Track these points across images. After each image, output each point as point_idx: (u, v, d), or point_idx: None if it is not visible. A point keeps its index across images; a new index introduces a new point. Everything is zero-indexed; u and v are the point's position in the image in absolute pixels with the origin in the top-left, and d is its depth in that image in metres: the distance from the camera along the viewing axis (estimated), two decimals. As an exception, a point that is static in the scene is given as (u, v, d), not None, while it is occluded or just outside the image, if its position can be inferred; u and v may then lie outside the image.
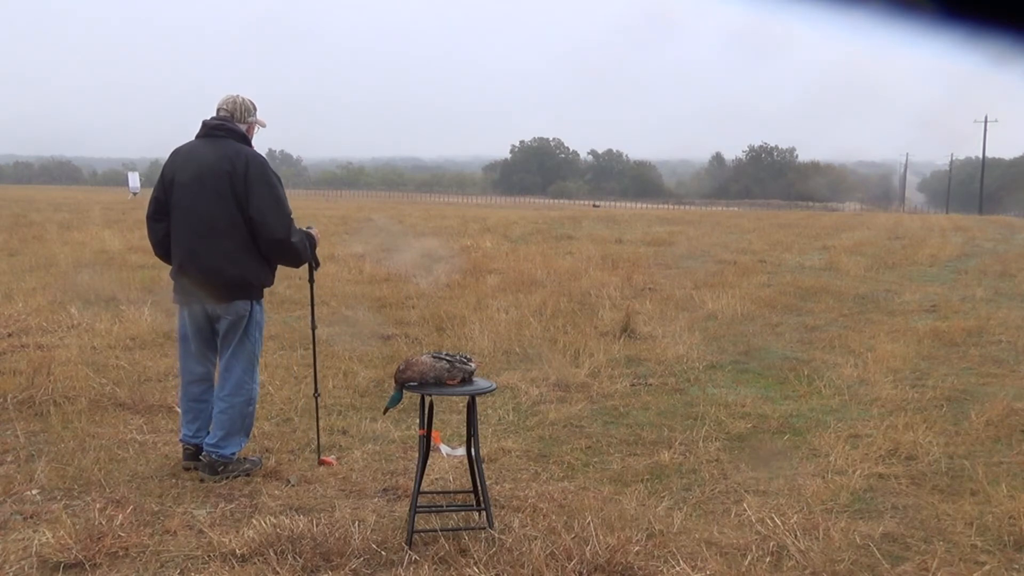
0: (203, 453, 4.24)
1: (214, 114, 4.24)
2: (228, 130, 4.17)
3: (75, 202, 35.26)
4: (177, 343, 4.44)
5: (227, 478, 4.15)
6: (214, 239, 4.10)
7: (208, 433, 4.29)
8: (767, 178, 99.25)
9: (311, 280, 4.54)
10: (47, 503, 3.83)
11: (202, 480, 4.17)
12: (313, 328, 4.57)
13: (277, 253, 4.19)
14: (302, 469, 4.34)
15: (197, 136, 4.22)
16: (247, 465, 4.25)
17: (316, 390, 4.58)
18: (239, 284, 4.12)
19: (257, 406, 5.20)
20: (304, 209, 35.37)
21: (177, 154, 4.24)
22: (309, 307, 4.66)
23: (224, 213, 4.06)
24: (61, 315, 7.94)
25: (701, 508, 3.93)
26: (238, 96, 4.28)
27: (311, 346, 4.66)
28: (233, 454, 4.22)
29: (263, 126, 4.40)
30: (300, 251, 4.21)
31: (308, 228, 4.37)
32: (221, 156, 4.07)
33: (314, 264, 4.44)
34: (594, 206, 50.79)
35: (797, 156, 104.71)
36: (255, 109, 4.33)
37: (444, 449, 4.63)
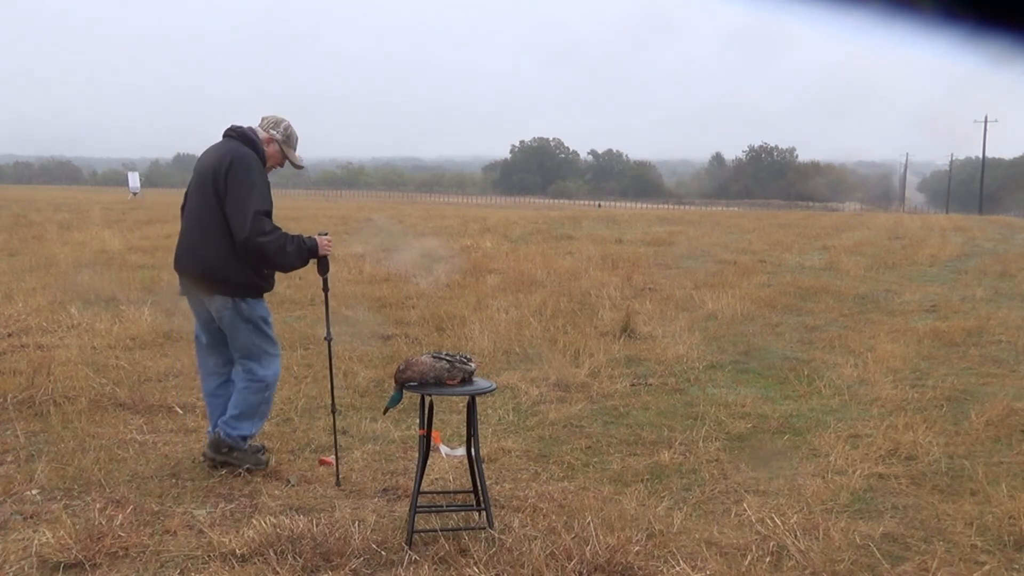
0: (215, 428, 4.26)
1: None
2: (239, 133, 4.21)
3: (75, 202, 35.26)
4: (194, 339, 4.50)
5: (229, 464, 4.18)
6: (202, 235, 4.16)
7: None
8: (767, 178, 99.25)
9: (324, 289, 4.42)
10: (47, 503, 3.83)
11: (204, 456, 4.21)
12: (328, 340, 4.43)
13: (244, 252, 4.06)
14: (302, 469, 4.35)
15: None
16: (251, 459, 4.23)
17: (333, 405, 4.44)
18: (220, 280, 4.13)
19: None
20: (304, 209, 35.36)
21: (202, 153, 4.33)
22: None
23: (210, 210, 4.10)
24: (61, 315, 7.94)
25: (701, 508, 3.93)
26: (277, 115, 4.31)
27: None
28: (244, 438, 4.23)
29: (295, 163, 4.30)
30: (269, 253, 4.05)
31: (320, 234, 4.26)
32: (219, 156, 4.12)
33: (320, 270, 4.34)
34: (598, 206, 51.05)
35: (797, 156, 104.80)
36: (287, 134, 4.27)
37: (444, 450, 4.63)
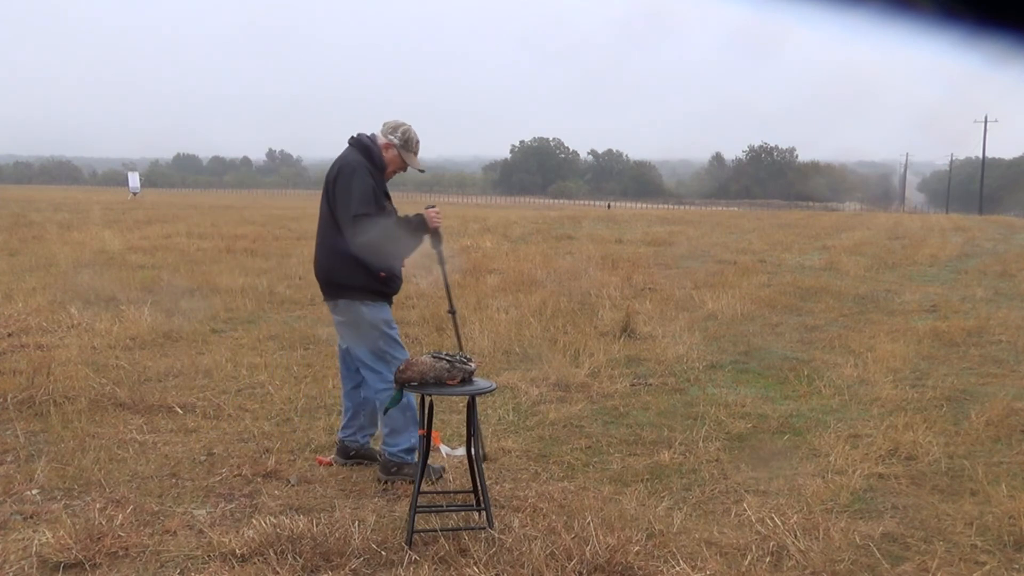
0: (379, 451, 4.29)
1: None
2: (356, 140, 4.24)
3: (75, 202, 35.29)
4: None
5: (402, 478, 4.14)
6: (323, 242, 4.24)
7: (361, 433, 4.40)
8: (767, 178, 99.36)
9: (441, 263, 4.32)
10: (47, 503, 3.83)
11: (379, 480, 4.19)
12: (452, 312, 4.37)
13: (359, 255, 4.07)
14: (302, 469, 4.34)
15: None
16: (428, 474, 4.13)
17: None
18: (336, 283, 4.18)
19: (260, 406, 5.20)
20: (304, 209, 35.31)
21: None
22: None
23: (327, 218, 4.18)
24: (61, 315, 7.94)
25: (701, 508, 3.93)
26: (399, 120, 4.28)
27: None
28: (408, 451, 4.19)
29: (417, 167, 4.29)
30: (380, 246, 4.06)
31: (428, 208, 4.23)
32: (334, 165, 4.21)
33: (433, 245, 4.24)
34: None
35: (797, 156, 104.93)
36: (405, 138, 4.22)
37: (444, 449, 4.63)
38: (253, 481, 4.16)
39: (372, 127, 4.33)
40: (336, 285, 4.20)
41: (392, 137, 4.22)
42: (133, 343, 7.05)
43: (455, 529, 3.54)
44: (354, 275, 4.12)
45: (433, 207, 4.26)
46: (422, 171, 4.41)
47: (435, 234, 4.25)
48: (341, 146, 4.35)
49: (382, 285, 4.20)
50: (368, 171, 4.13)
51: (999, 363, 7.03)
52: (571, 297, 9.78)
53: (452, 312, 4.37)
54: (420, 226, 4.20)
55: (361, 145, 4.22)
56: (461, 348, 4.07)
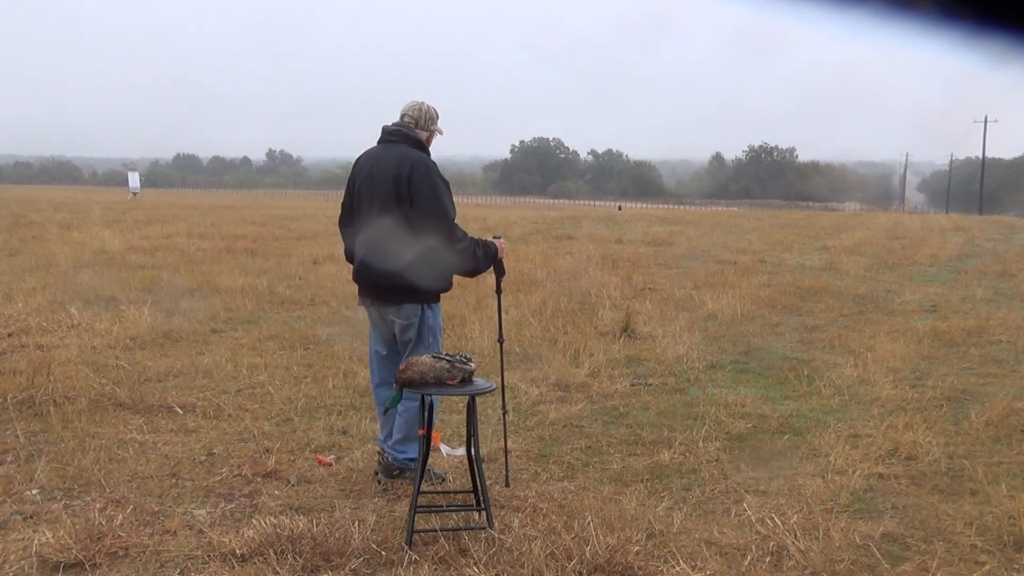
0: (383, 453, 4.22)
1: (396, 119, 4.21)
2: (404, 136, 4.14)
3: (75, 202, 35.29)
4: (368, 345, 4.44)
5: (404, 482, 4.10)
6: (382, 243, 4.08)
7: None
8: (767, 178, 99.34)
9: (498, 291, 4.31)
10: (47, 503, 3.83)
11: (379, 481, 4.15)
12: (501, 342, 4.29)
13: (440, 258, 4.03)
14: (302, 469, 4.35)
15: (378, 142, 4.22)
16: (429, 477, 4.14)
17: (504, 408, 4.30)
18: (406, 288, 4.05)
19: (260, 406, 5.19)
20: (304, 209, 35.35)
21: (360, 160, 4.25)
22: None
23: (390, 217, 4.03)
24: (61, 315, 7.94)
25: (701, 508, 3.93)
26: (424, 103, 4.22)
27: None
28: (413, 459, 4.08)
29: (440, 134, 4.30)
30: (464, 259, 4.08)
31: (495, 237, 4.24)
32: (392, 161, 4.06)
33: (498, 272, 4.26)
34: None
35: (797, 156, 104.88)
36: (437, 117, 4.25)
37: (444, 449, 4.63)
38: (253, 481, 4.16)
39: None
40: (408, 289, 4.05)
41: (435, 127, 4.23)
42: (133, 343, 7.05)
43: (455, 529, 3.54)
44: (429, 277, 4.05)
45: (500, 237, 4.25)
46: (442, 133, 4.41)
47: (499, 264, 4.24)
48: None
49: (447, 286, 4.19)
50: (438, 169, 4.10)
51: (999, 363, 7.03)
52: (571, 297, 9.78)
53: (500, 341, 4.29)
54: (495, 254, 4.19)
55: (414, 140, 4.13)
56: (503, 378, 4.07)
